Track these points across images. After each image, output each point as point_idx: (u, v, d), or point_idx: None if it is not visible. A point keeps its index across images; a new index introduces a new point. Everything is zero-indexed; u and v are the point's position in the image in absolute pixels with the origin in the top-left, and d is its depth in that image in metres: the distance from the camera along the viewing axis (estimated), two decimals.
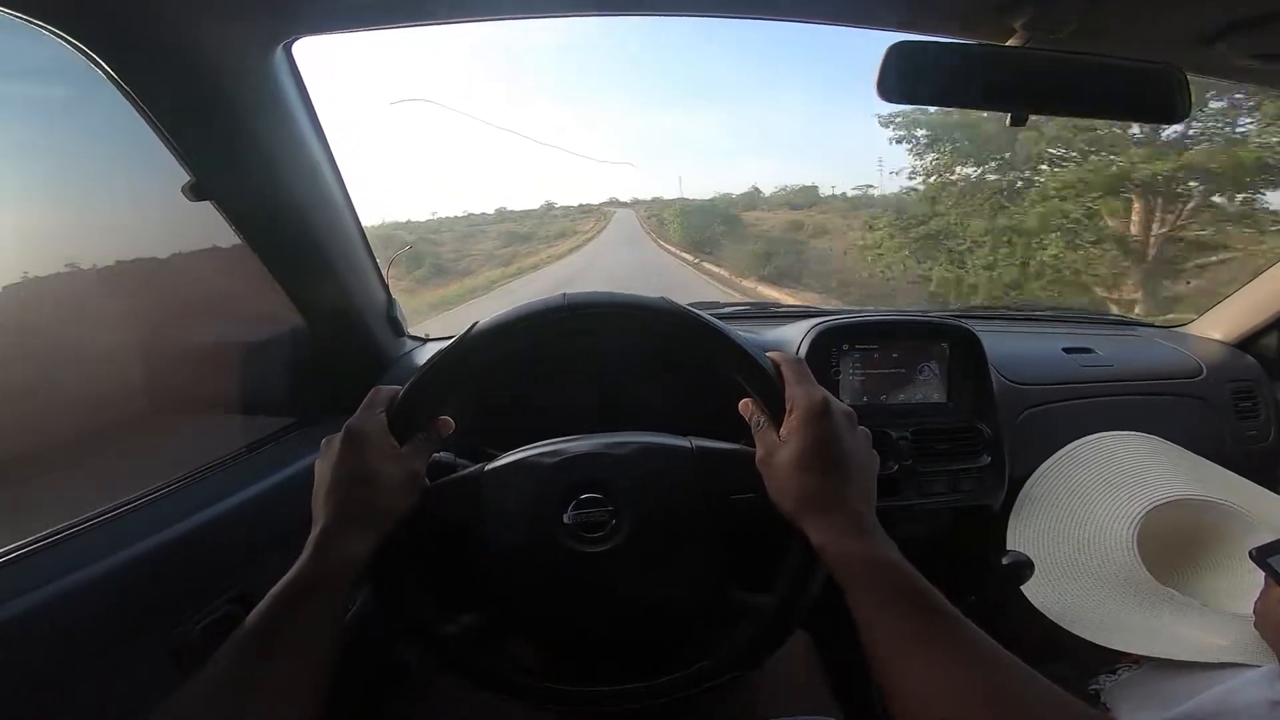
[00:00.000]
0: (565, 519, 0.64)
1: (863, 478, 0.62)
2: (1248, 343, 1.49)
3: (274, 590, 0.56)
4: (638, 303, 0.66)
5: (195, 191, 0.82)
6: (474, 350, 0.64)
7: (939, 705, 0.49)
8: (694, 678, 0.65)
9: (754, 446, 0.66)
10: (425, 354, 1.26)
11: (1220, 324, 1.53)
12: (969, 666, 0.50)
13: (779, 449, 0.62)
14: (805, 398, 0.62)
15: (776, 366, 0.65)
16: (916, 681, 0.51)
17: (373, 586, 0.63)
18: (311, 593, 0.56)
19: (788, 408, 0.63)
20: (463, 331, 0.65)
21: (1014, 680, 0.50)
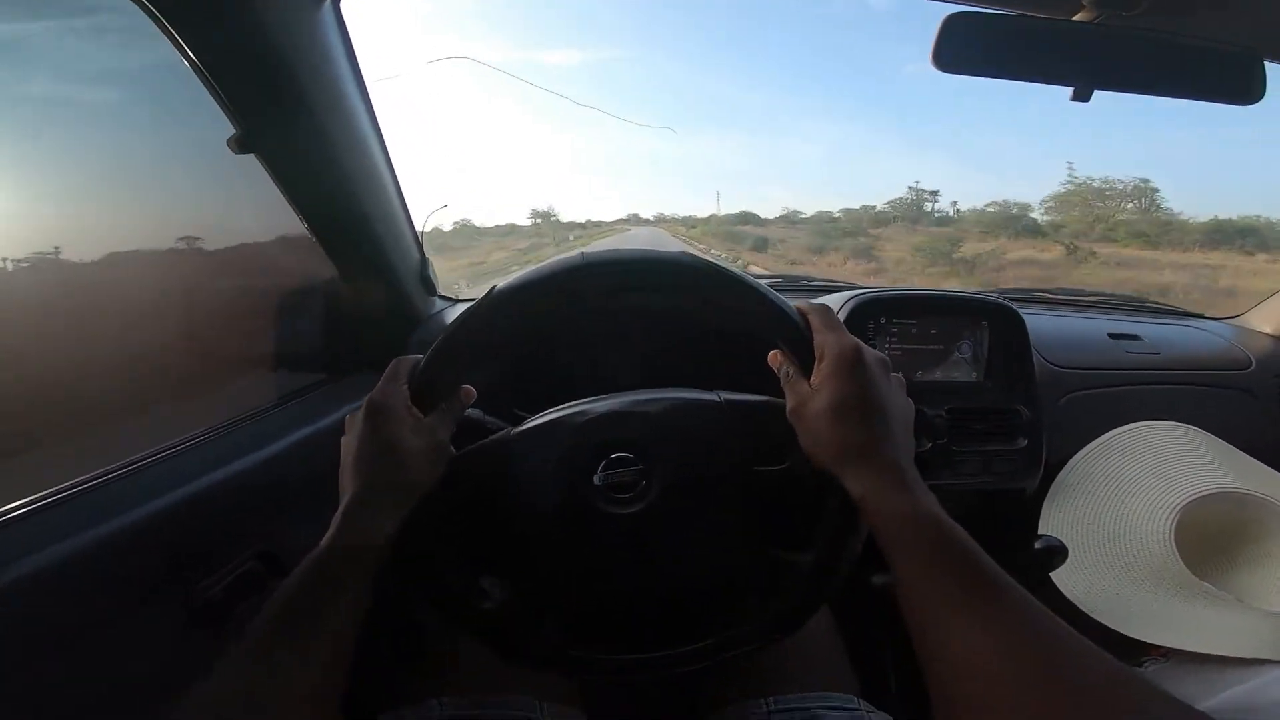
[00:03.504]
0: (595, 480, 0.63)
1: (902, 427, 0.60)
2: None
3: (301, 566, 0.56)
4: (655, 257, 0.64)
5: (240, 144, 0.81)
6: (492, 314, 0.63)
7: (981, 668, 0.45)
8: (732, 641, 0.64)
9: (784, 398, 0.63)
10: (455, 313, 1.26)
11: (1271, 317, 1.48)
12: (1016, 629, 0.46)
13: (811, 399, 0.60)
14: (836, 345, 0.59)
15: (804, 315, 0.63)
16: (959, 643, 0.46)
17: (401, 559, 0.62)
18: (338, 569, 0.56)
19: (817, 356, 0.61)
20: (481, 296, 0.64)
21: (1064, 645, 0.45)
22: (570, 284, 0.63)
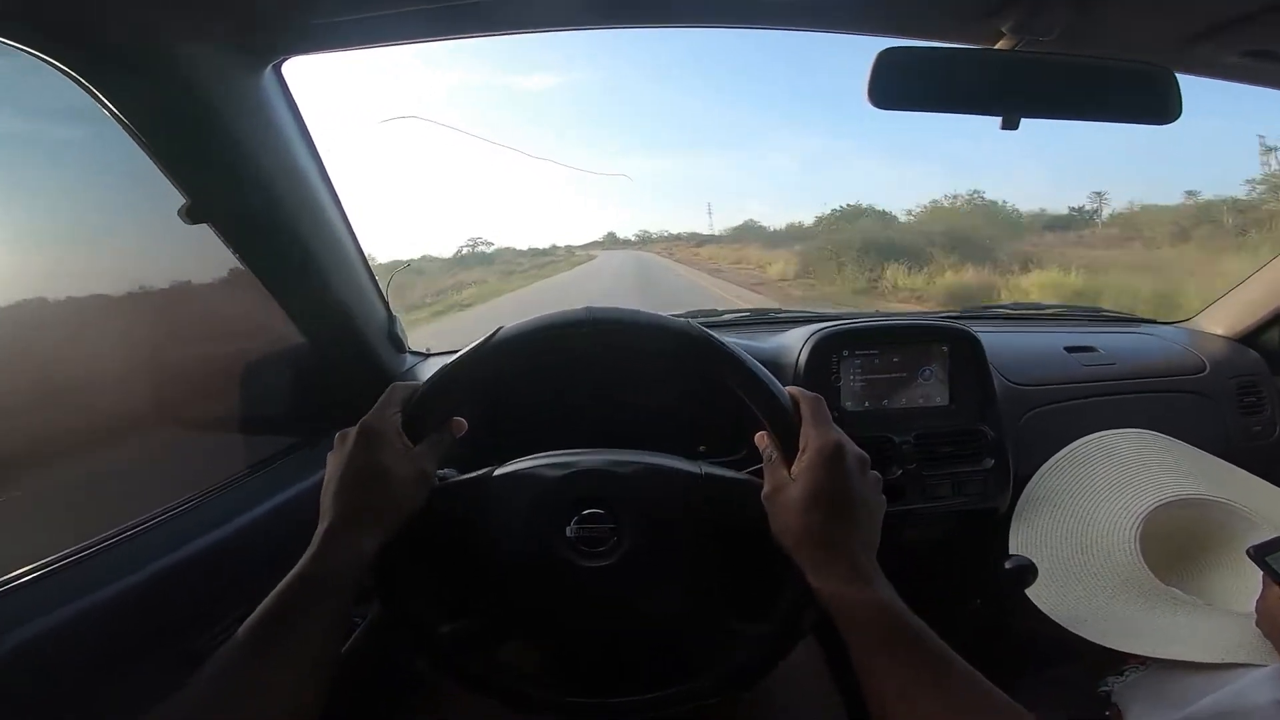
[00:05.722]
0: (567, 532, 0.64)
1: (868, 523, 0.63)
2: (1251, 337, 1.47)
3: (278, 587, 0.56)
4: (662, 324, 0.66)
5: (191, 214, 0.82)
6: (493, 357, 0.65)
7: None
8: (684, 696, 0.65)
9: (762, 475, 0.66)
10: (427, 369, 1.26)
11: (1223, 319, 1.52)
12: (961, 712, 0.52)
13: (787, 486, 0.62)
14: (820, 439, 0.62)
15: (795, 402, 0.66)
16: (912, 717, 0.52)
17: (375, 583, 0.63)
18: (316, 590, 0.57)
19: (801, 446, 0.63)
20: (485, 337, 0.66)
21: (1005, 716, 0.51)
22: (570, 337, 0.65)
